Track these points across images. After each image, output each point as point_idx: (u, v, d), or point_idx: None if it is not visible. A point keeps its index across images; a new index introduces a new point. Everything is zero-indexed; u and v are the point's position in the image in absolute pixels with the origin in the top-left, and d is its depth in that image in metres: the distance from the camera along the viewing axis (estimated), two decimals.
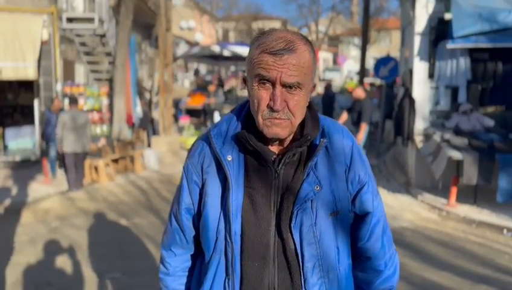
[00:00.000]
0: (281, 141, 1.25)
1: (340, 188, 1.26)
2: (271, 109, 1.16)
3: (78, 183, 7.88)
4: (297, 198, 1.21)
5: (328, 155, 1.26)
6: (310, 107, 1.28)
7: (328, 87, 13.91)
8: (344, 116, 8.28)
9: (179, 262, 1.41)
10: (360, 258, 1.35)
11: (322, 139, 1.25)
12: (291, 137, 1.25)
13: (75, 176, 7.81)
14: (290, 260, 1.23)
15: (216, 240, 1.25)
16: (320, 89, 24.54)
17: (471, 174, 6.16)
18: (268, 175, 1.23)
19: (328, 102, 13.43)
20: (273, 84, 1.16)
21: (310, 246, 1.22)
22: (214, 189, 1.26)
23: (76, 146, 7.71)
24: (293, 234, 1.21)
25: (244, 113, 1.31)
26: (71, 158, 7.73)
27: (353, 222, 1.31)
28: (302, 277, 1.23)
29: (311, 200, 1.22)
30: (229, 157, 1.24)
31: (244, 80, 1.27)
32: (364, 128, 8.10)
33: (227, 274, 1.25)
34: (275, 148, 1.26)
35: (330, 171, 1.25)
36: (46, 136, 8.55)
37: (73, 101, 8.12)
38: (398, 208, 6.77)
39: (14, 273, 4.47)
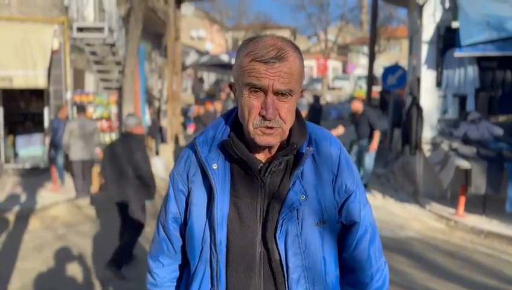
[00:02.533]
0: (268, 149, 1.23)
1: (327, 197, 1.23)
2: (263, 117, 1.15)
3: (86, 190, 7.93)
4: (283, 207, 1.18)
5: (315, 163, 1.24)
6: (297, 114, 1.26)
7: (316, 99, 13.30)
8: (340, 129, 8.22)
9: (166, 272, 1.39)
10: (346, 270, 1.32)
11: (308, 148, 1.22)
12: (278, 145, 1.24)
13: (82, 183, 7.86)
14: (275, 271, 1.20)
15: (201, 250, 1.23)
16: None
17: (479, 183, 6.08)
18: (254, 184, 1.22)
19: (314, 115, 12.49)
20: (265, 93, 1.14)
21: (295, 256, 1.20)
22: (199, 198, 1.25)
23: (84, 154, 7.75)
24: (278, 244, 1.19)
25: (231, 120, 1.29)
26: (78, 166, 7.78)
27: (340, 232, 1.28)
28: (287, 289, 1.20)
29: (297, 210, 1.20)
30: (215, 166, 1.22)
31: (231, 87, 1.26)
32: (378, 136, 8.09)
33: (212, 285, 1.23)
34: (261, 157, 1.24)
35: (317, 180, 1.23)
36: (54, 144, 8.63)
37: (81, 109, 8.19)
38: (405, 218, 6.71)
39: (19, 280, 4.51)
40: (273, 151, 1.24)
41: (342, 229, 1.28)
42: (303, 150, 1.22)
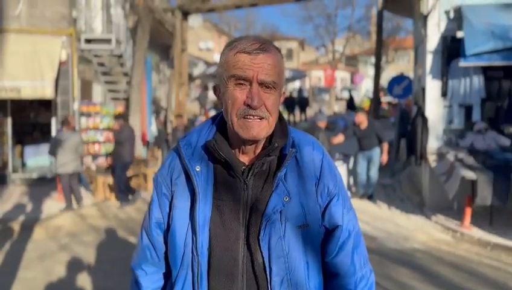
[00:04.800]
0: (252, 150, 1.23)
1: (310, 200, 1.22)
2: (248, 106, 1.14)
3: (78, 202, 7.88)
4: (266, 209, 1.17)
5: (298, 167, 1.24)
6: (280, 116, 1.26)
7: (299, 90, 13.94)
8: (340, 137, 8.19)
9: (150, 282, 1.35)
10: (330, 276, 1.30)
11: (291, 149, 1.22)
12: (262, 145, 1.24)
13: (70, 195, 7.78)
14: (258, 275, 1.19)
15: (183, 254, 1.22)
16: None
17: (485, 194, 5.98)
18: (237, 186, 1.21)
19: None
20: (250, 84, 1.15)
21: (279, 259, 1.18)
22: (182, 201, 1.23)
23: (69, 167, 7.64)
24: (261, 246, 1.18)
25: (217, 123, 1.29)
26: (66, 179, 7.69)
27: (323, 237, 1.27)
28: None
29: (280, 212, 1.19)
30: (198, 168, 1.22)
31: (215, 89, 1.26)
32: (386, 148, 8.08)
33: None
34: (245, 158, 1.23)
35: (300, 183, 1.22)
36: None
37: (66, 122, 7.98)
38: (410, 229, 6.62)
39: (20, 289, 4.51)
40: (258, 151, 1.24)
41: (326, 234, 1.27)
42: (286, 152, 1.22)
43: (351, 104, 24.24)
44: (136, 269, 1.37)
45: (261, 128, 1.16)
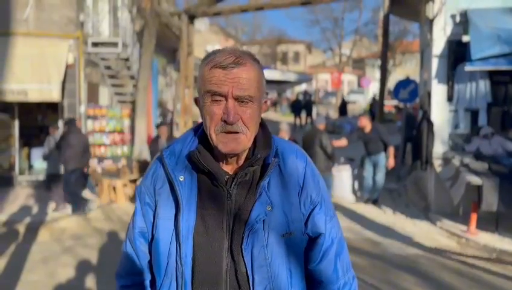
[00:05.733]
0: (235, 160, 1.24)
1: (293, 209, 1.23)
2: (225, 122, 1.16)
3: (60, 203, 7.86)
4: (249, 218, 1.18)
5: (281, 176, 1.24)
6: (263, 125, 1.27)
7: (305, 92, 13.93)
8: (343, 141, 8.15)
9: None
10: (313, 283, 1.31)
11: (273, 159, 1.23)
12: (245, 155, 1.24)
13: (57, 197, 7.85)
14: (241, 284, 1.19)
15: (167, 263, 1.22)
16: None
17: (491, 200, 5.93)
18: (221, 196, 1.21)
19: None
20: (226, 99, 1.16)
21: (261, 268, 1.19)
22: (166, 211, 1.24)
23: (50, 169, 7.84)
24: (244, 256, 1.18)
25: (200, 133, 1.29)
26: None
27: (306, 245, 1.28)
28: None
29: (263, 221, 1.19)
30: (181, 178, 1.22)
31: (196, 101, 1.27)
32: (392, 152, 8.03)
33: None
34: (228, 168, 1.24)
35: (283, 192, 1.23)
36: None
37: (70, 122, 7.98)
38: (415, 234, 6.56)
39: None
40: (241, 162, 1.24)
41: (309, 242, 1.28)
42: (269, 161, 1.23)
43: (343, 110, 24.53)
44: (119, 279, 1.37)
45: (237, 142, 1.18)
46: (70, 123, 7.94)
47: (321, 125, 7.75)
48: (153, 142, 8.45)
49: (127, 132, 11.07)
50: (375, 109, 20.42)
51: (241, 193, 1.22)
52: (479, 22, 6.85)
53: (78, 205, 7.69)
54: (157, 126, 8.31)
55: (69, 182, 7.57)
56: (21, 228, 6.94)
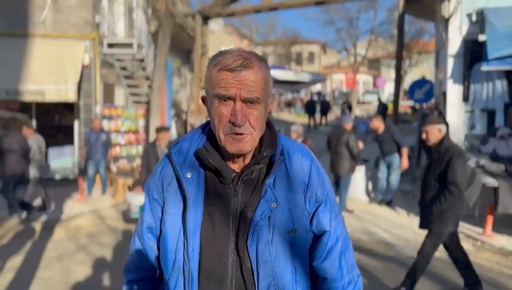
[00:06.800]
0: (242, 158, 1.26)
1: (298, 206, 1.25)
2: (232, 124, 1.18)
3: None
4: (254, 215, 1.20)
5: (287, 174, 1.26)
6: (269, 125, 1.29)
7: (318, 93, 13.85)
8: (360, 144, 8.08)
9: (142, 286, 1.39)
10: (317, 280, 1.32)
11: (279, 157, 1.25)
12: (251, 154, 1.26)
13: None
14: (246, 279, 1.21)
15: (175, 259, 1.25)
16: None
17: (507, 202, 5.82)
18: (227, 193, 1.24)
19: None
20: (234, 101, 1.18)
21: (266, 264, 1.21)
22: (174, 207, 1.26)
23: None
24: (249, 251, 1.20)
25: (207, 131, 1.32)
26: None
27: (311, 242, 1.29)
28: None
29: (268, 218, 1.21)
30: (189, 175, 1.25)
31: (203, 100, 1.29)
32: (406, 153, 7.95)
33: None
34: (235, 166, 1.26)
35: (288, 190, 1.25)
36: (86, 155, 8.86)
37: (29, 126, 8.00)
38: None
39: (37, 289, 4.62)
40: (247, 160, 1.27)
41: (313, 239, 1.30)
42: (274, 159, 1.25)
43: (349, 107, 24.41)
44: (127, 274, 1.40)
45: (244, 142, 1.20)
46: (11, 127, 7.93)
47: (348, 125, 7.59)
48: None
49: (141, 131, 11.18)
50: (380, 110, 20.54)
51: (247, 190, 1.24)
52: (495, 21, 6.75)
53: (14, 209, 7.30)
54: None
55: (8, 186, 7.28)
56: (37, 226, 7.07)
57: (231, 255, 1.21)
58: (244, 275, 1.21)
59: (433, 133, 4.24)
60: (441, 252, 5.85)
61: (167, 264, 1.27)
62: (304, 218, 1.25)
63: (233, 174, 1.24)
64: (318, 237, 1.29)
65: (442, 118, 7.44)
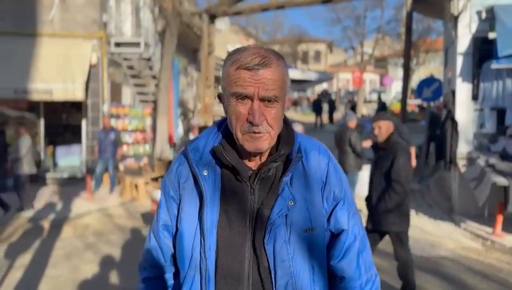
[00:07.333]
0: (258, 156, 1.25)
1: (316, 204, 1.23)
2: (250, 123, 1.17)
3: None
4: (272, 213, 1.19)
5: (304, 172, 1.25)
6: (286, 122, 1.28)
7: (325, 93, 13.75)
8: (368, 142, 8.04)
9: (157, 284, 1.38)
10: (335, 279, 1.31)
11: (296, 154, 1.24)
12: (268, 152, 1.25)
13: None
14: (263, 278, 1.20)
15: (191, 256, 1.23)
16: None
17: None
18: (244, 191, 1.22)
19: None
20: (251, 99, 1.17)
21: (283, 263, 1.19)
22: (190, 205, 1.25)
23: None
24: (266, 250, 1.19)
25: (224, 128, 1.30)
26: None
27: (329, 241, 1.28)
28: None
29: (286, 216, 1.20)
30: (205, 172, 1.24)
31: (219, 97, 1.28)
32: (413, 152, 7.89)
33: None
34: (252, 164, 1.25)
35: (306, 188, 1.23)
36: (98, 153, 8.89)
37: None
38: (438, 236, 6.43)
39: (46, 287, 4.64)
40: (264, 158, 1.25)
41: (331, 238, 1.28)
42: (292, 157, 1.24)
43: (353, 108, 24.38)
44: (143, 272, 1.39)
45: (262, 140, 1.19)
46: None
47: (351, 123, 7.58)
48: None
49: (148, 130, 11.21)
50: (379, 109, 20.54)
51: (263, 188, 1.22)
52: (506, 18, 6.67)
53: None
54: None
55: None
56: (46, 224, 7.11)
57: (248, 253, 1.20)
58: (261, 273, 1.19)
59: (387, 127, 4.18)
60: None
61: (183, 262, 1.25)
62: (321, 216, 1.24)
63: (250, 172, 1.23)
64: (336, 235, 1.28)
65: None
